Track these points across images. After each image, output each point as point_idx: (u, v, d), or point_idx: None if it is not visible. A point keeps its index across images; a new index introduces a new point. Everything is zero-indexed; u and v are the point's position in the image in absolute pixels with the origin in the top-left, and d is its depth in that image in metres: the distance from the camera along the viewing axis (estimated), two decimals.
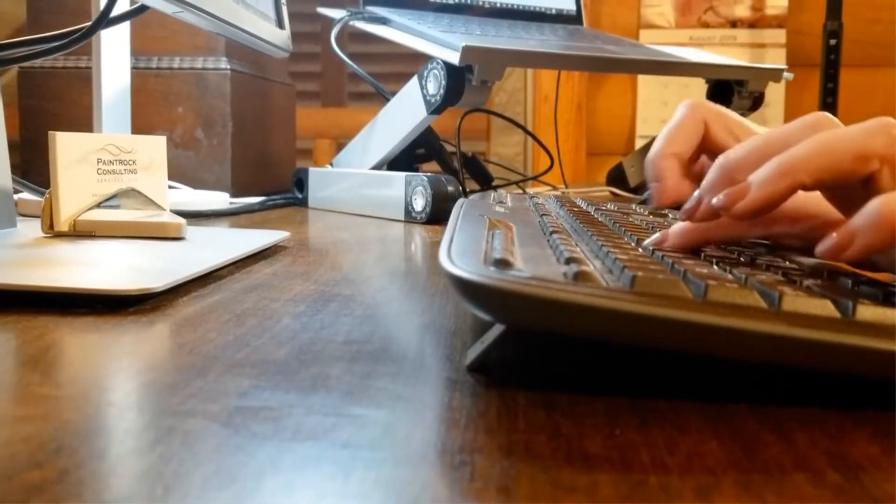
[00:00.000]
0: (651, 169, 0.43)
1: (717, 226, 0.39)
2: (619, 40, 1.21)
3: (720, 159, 0.37)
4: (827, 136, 0.33)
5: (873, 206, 0.31)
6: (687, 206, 0.38)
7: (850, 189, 0.34)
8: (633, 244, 0.39)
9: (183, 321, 0.38)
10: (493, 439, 0.24)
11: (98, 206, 0.60)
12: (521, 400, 0.27)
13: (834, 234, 0.32)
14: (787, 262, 0.37)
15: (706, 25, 1.96)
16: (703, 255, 0.37)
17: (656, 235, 0.40)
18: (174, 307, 0.41)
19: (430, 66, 0.90)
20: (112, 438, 0.23)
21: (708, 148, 0.44)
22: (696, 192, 0.38)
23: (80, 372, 0.30)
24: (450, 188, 0.85)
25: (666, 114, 1.94)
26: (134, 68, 1.07)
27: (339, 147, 1.54)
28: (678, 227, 0.39)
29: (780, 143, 0.35)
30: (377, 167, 0.99)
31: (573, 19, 1.29)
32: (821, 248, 0.32)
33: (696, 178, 0.42)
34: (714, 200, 0.35)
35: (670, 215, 0.59)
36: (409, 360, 0.32)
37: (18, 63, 0.68)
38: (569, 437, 0.24)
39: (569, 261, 0.31)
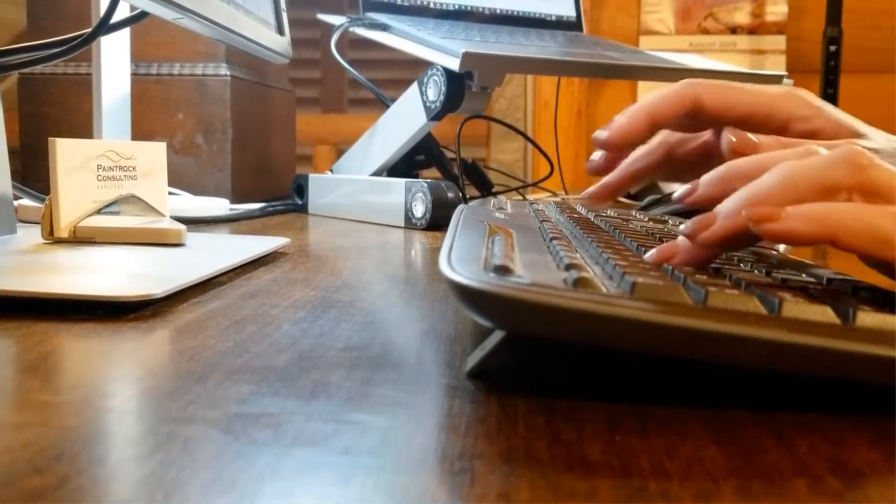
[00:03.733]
0: (611, 121, 0.46)
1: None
2: (619, 47, 1.21)
3: (729, 163, 0.37)
4: (791, 169, 0.33)
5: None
6: (679, 192, 0.39)
7: None
8: (633, 250, 0.39)
9: (183, 327, 0.38)
10: (493, 445, 0.24)
11: (98, 212, 0.60)
12: (520, 406, 0.27)
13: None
14: (788, 268, 0.37)
15: (706, 32, 1.96)
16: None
17: (661, 248, 0.37)
18: (174, 313, 0.41)
19: (430, 73, 0.90)
20: (112, 444, 0.23)
21: (703, 118, 0.47)
22: (692, 184, 0.39)
23: (79, 378, 0.30)
24: (450, 194, 0.85)
25: None
26: (134, 74, 1.07)
27: (339, 153, 1.54)
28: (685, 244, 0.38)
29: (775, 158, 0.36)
30: (377, 173, 0.99)
31: (573, 26, 1.29)
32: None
33: (687, 153, 0.50)
34: (681, 227, 0.36)
35: (670, 221, 0.59)
36: (409, 366, 0.32)
37: (18, 69, 0.68)
38: (569, 443, 0.24)
39: (569, 267, 0.31)
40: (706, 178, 0.38)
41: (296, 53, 0.97)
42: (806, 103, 0.46)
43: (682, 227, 0.36)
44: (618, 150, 0.48)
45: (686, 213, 0.48)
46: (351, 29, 1.06)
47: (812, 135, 0.45)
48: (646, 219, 0.59)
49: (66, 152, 0.58)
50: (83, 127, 1.07)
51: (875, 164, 0.32)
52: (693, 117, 0.46)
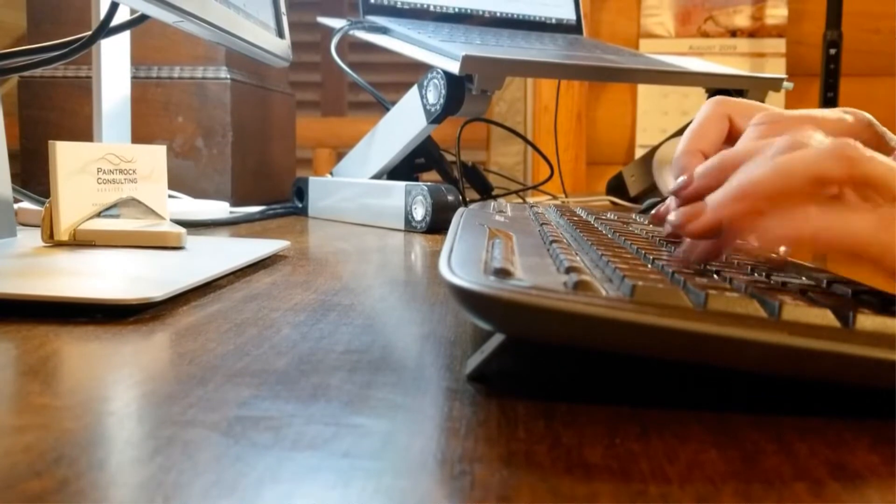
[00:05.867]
0: (675, 165, 0.44)
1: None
2: (619, 50, 1.21)
3: (722, 153, 0.37)
4: (784, 161, 0.33)
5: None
6: (675, 185, 0.39)
7: None
8: (633, 253, 0.39)
9: (183, 331, 0.38)
10: (493, 449, 0.24)
11: (98, 215, 0.60)
12: (520, 409, 0.27)
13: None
14: (788, 271, 0.37)
15: (706, 35, 1.96)
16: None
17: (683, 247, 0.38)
18: (174, 317, 0.41)
19: (430, 76, 0.90)
20: (112, 448, 0.23)
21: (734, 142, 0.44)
22: (687, 175, 0.38)
23: (80, 381, 0.30)
24: (450, 198, 0.85)
25: (666, 123, 1.94)
26: (134, 78, 1.07)
27: (339, 156, 1.54)
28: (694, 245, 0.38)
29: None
30: (377, 176, 0.99)
31: (573, 29, 1.29)
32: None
33: None
34: (669, 218, 0.36)
35: None
36: (409, 369, 0.32)
37: (19, 72, 0.68)
38: (569, 447, 0.24)
39: (569, 270, 0.31)
40: (700, 169, 0.38)
41: (296, 57, 0.97)
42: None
43: (670, 216, 0.36)
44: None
45: None
46: (351, 32, 1.06)
47: None
48: (646, 222, 0.59)
49: (67, 155, 0.58)
50: (83, 130, 1.07)
51: (867, 157, 0.32)
52: None
